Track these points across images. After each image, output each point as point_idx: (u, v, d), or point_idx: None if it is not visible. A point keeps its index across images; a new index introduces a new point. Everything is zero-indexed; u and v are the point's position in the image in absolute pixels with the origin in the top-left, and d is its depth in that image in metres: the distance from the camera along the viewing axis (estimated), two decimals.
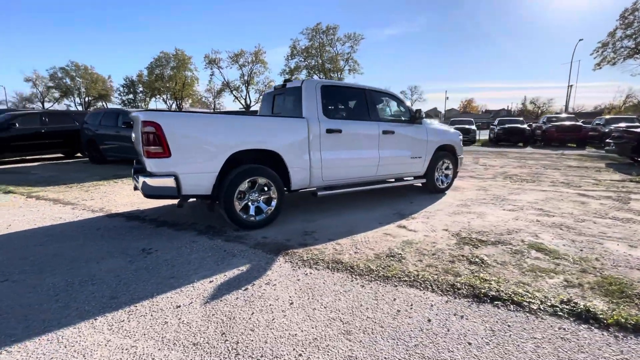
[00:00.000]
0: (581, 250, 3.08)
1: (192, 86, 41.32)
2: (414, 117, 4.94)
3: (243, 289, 2.36)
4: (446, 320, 1.98)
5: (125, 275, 2.58)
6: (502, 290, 2.29)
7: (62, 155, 11.24)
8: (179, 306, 2.14)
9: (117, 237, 3.42)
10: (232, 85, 40.01)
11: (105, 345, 1.78)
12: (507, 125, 18.13)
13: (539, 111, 60.14)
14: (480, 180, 6.95)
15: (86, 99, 48.53)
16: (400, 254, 3.00)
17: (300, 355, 1.69)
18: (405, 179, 5.23)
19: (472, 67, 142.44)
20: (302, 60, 33.99)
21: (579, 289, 2.35)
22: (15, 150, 9.44)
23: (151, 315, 2.05)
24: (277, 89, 4.74)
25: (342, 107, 4.64)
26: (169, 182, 3.12)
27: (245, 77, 38.15)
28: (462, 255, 2.96)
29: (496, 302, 2.17)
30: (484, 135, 22.80)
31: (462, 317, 2.02)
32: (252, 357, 1.68)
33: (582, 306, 2.08)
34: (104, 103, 53.67)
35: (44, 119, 10.08)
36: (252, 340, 1.81)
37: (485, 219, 4.09)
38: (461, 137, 5.90)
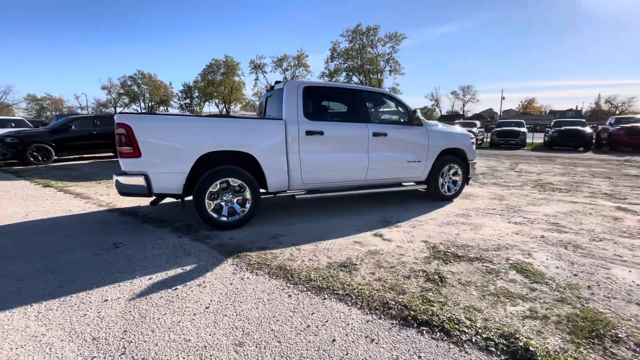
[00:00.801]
0: (575, 275, 2.60)
1: (240, 90, 43.58)
2: (411, 119, 4.61)
3: (173, 288, 2.38)
4: (352, 342, 1.79)
5: (83, 266, 2.77)
6: (439, 315, 2.01)
7: (112, 154, 12.56)
8: (106, 300, 2.23)
9: (100, 231, 3.70)
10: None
11: (21, 331, 1.91)
12: (562, 128, 16.15)
13: (616, 111, 52.73)
14: (504, 188, 6.26)
15: (150, 103, 53.90)
16: (355, 264, 2.80)
17: None
18: (405, 184, 4.91)
19: (535, 64, 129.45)
20: (342, 62, 33.96)
21: (539, 322, 1.98)
22: (71, 149, 10.77)
23: (78, 306, 2.17)
24: (268, 90, 4.77)
25: (328, 108, 4.50)
26: (140, 180, 3.29)
27: None
28: (424, 271, 2.67)
29: (423, 328, 1.90)
30: (540, 138, 20.58)
31: (372, 340, 1.80)
32: (133, 359, 1.68)
33: (522, 343, 1.74)
34: (165, 107, 59.10)
35: (96, 122, 11.36)
36: (145, 342, 1.81)
37: (479, 232, 3.66)
38: (473, 139, 5.37)
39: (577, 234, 3.58)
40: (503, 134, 17.85)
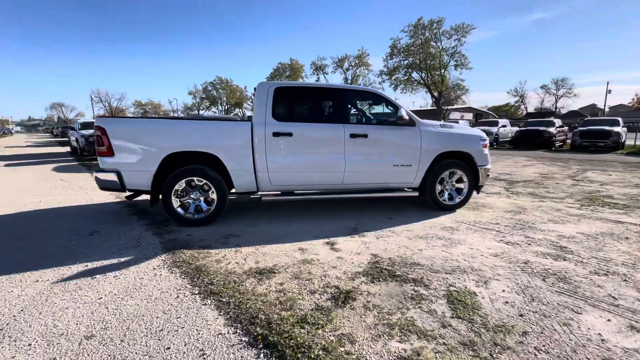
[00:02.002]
0: (519, 316, 2.06)
1: None
2: (400, 118, 4.17)
3: (92, 277, 2.60)
4: (184, 353, 1.72)
5: (53, 249, 3.20)
6: (297, 339, 1.79)
7: None
8: (37, 281, 2.53)
9: (93, 219, 4.21)
10: None
11: None
12: None
13: None
14: (536, 199, 5.25)
15: (226, 106, 59.37)
16: (274, 272, 2.67)
17: (15, 340, 1.80)
18: (395, 191, 4.47)
19: None
20: (402, 59, 32.12)
21: None
22: None
23: (13, 282, 2.51)
24: (253, 93, 4.83)
25: (301, 109, 4.34)
26: (113, 177, 3.66)
27: (349, 81, 38.97)
28: (337, 288, 2.41)
29: (264, 351, 1.72)
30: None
31: (203, 354, 1.70)
32: (4, 335, 1.89)
33: None
34: (240, 110, 64.45)
35: None
36: (25, 322, 2.00)
37: (449, 250, 3.15)
38: (485, 142, 4.61)
39: (578, 263, 2.82)
40: (588, 134, 14.94)
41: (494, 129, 18.21)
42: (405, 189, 4.46)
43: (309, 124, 4.08)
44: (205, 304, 2.20)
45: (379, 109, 4.67)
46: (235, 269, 2.75)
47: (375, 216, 4.29)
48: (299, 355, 1.68)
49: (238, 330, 1.91)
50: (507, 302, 2.22)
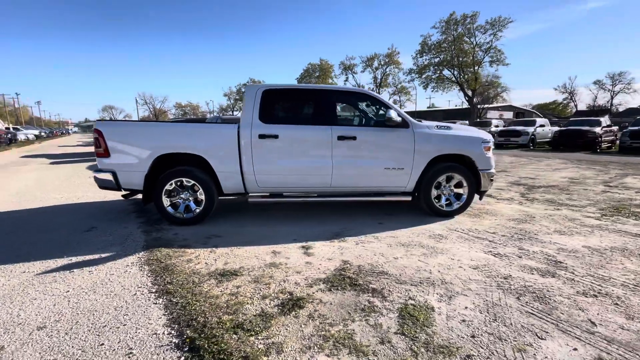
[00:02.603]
0: (471, 337, 1.89)
1: None
2: (388, 119, 4.00)
3: (70, 271, 2.77)
4: (114, 351, 1.77)
5: (52, 242, 3.46)
6: (223, 345, 1.78)
7: None
8: (24, 272, 2.76)
9: (95, 215, 4.50)
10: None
11: None
12: None
13: None
14: (551, 206, 4.79)
15: None
16: (237, 275, 2.69)
17: None
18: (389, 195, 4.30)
19: None
20: (433, 56, 30.68)
21: None
22: None
23: (3, 272, 2.76)
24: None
25: (288, 111, 4.31)
26: (109, 176, 3.89)
27: (378, 80, 38.29)
28: (290, 294, 2.37)
29: (187, 355, 1.73)
30: None
31: (130, 353, 1.75)
32: None
33: None
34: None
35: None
36: None
37: (428, 259, 2.97)
38: (487, 144, 4.28)
39: (568, 282, 2.53)
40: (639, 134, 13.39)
41: (529, 129, 16.95)
42: (399, 194, 4.28)
43: (295, 125, 4.05)
44: (157, 303, 2.26)
45: (381, 110, 4.50)
46: (202, 269, 2.81)
47: (365, 221, 4.17)
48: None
49: (172, 332, 1.94)
50: (463, 321, 2.05)
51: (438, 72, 31.43)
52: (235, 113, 64.66)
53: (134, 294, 2.38)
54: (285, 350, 1.79)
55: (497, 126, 19.72)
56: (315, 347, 1.81)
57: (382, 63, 38.12)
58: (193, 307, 2.19)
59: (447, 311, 2.16)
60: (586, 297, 2.32)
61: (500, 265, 2.85)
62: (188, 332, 1.91)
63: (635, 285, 2.47)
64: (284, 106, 4.29)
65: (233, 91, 63.31)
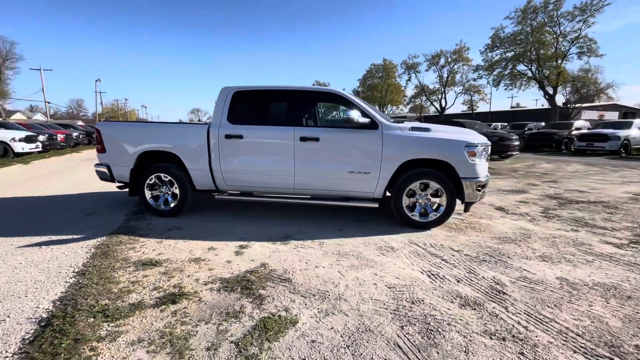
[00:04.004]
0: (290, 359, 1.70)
1: (396, 93, 43.17)
2: (347, 120, 3.74)
3: (40, 247, 3.27)
4: None
5: (53, 222, 4.13)
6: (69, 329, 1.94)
7: None
8: (12, 245, 3.37)
9: (104, 203, 5.17)
10: (427, 89, 38.50)
11: None
12: None
13: None
14: (573, 227, 3.92)
15: (322, 109, 62.39)
16: (155, 265, 2.86)
17: None
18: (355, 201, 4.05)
19: None
20: (507, 49, 26.88)
21: None
22: None
23: None
24: None
25: (255, 111, 4.30)
26: (105, 169, 4.47)
27: (444, 79, 35.50)
28: (179, 288, 2.44)
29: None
30: None
31: None
32: None
33: None
34: (337, 112, 66.75)
35: None
36: None
37: (350, 272, 2.74)
38: (473, 149, 3.69)
39: (485, 318, 2.08)
40: None
41: (621, 132, 13.91)
42: (368, 200, 3.99)
43: (259, 126, 4.09)
44: (67, 282, 2.54)
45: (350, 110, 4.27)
46: (133, 257, 3.05)
47: (326, 226, 3.99)
48: (53, 340, 1.83)
49: (50, 308, 2.17)
50: (313, 341, 1.85)
51: (511, 67, 27.61)
52: None
53: (59, 272, 2.73)
54: (118, 339, 1.87)
55: (578, 129, 16.66)
56: (146, 342, 1.85)
57: (449, 60, 35.35)
58: (88, 289, 2.42)
59: (307, 328, 1.97)
60: (491, 339, 1.88)
61: (424, 288, 2.47)
62: (58, 309, 2.13)
63: (577, 335, 1.91)
64: (251, 107, 4.36)
65: None
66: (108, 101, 73.58)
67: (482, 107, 42.03)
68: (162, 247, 3.30)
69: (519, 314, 2.12)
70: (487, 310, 2.17)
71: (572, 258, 3.03)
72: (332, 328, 1.98)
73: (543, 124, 20.58)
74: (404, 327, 1.98)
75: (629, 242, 3.43)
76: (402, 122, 4.32)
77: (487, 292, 2.41)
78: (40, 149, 13.97)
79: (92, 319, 2.04)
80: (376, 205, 3.92)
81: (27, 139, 13.20)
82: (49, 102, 37.54)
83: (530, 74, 26.91)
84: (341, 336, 1.91)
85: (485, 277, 2.65)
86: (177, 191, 4.30)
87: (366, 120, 3.80)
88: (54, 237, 3.57)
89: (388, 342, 1.85)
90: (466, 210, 4.03)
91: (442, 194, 3.78)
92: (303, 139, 3.90)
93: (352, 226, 3.98)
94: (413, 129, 3.85)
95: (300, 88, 4.09)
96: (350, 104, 4.02)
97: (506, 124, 22.08)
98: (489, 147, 4.04)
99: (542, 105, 43.18)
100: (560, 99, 28.97)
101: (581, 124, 17.71)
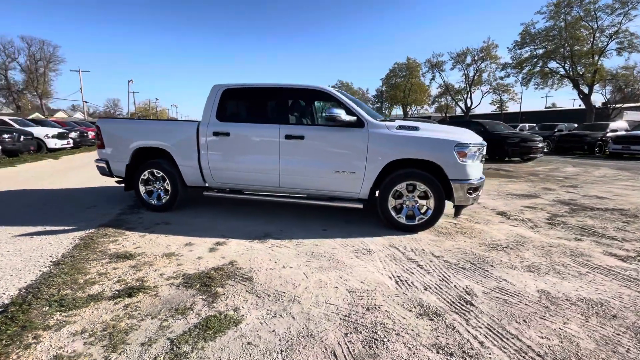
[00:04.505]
0: None
1: (419, 92, 41.92)
2: (330, 118, 3.63)
3: (32, 236, 3.44)
4: None
5: (57, 213, 4.35)
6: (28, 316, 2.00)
7: None
8: (10, 234, 3.58)
9: (107, 197, 5.38)
10: (452, 88, 37.01)
11: None
12: None
13: None
14: (577, 236, 3.61)
15: None
16: (129, 258, 2.92)
17: None
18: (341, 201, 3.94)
19: None
20: (538, 46, 25.11)
21: None
22: None
23: None
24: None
25: (243, 109, 4.28)
26: (104, 164, 4.65)
27: (471, 78, 33.96)
28: (140, 282, 2.47)
29: None
30: None
31: None
32: None
33: None
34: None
35: None
36: None
37: (315, 274, 2.66)
38: (466, 149, 3.47)
39: (440, 330, 1.93)
40: None
41: None
42: (354, 200, 3.87)
43: (246, 124, 4.08)
44: (41, 271, 2.65)
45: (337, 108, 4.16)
46: (112, 249, 3.14)
47: (311, 225, 3.92)
48: (1, 326, 1.90)
49: (15, 294, 2.27)
50: (249, 344, 1.80)
51: (543, 64, 25.77)
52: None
53: (38, 261, 2.85)
54: (63, 329, 1.91)
55: (614, 130, 15.39)
56: (87, 334, 1.87)
57: (476, 58, 33.85)
58: (56, 278, 2.50)
59: (248, 330, 1.92)
60: (437, 353, 1.73)
61: (386, 294, 2.34)
62: (18, 297, 2.22)
63: (536, 355, 1.72)
64: (239, 105, 4.36)
65: None
66: (141, 100, 77.44)
67: (512, 107, 40.04)
68: (143, 241, 3.37)
69: (480, 327, 1.96)
70: (445, 321, 2.01)
71: (563, 270, 2.76)
72: (273, 331, 1.92)
73: (575, 125, 19.22)
74: (348, 335, 1.88)
75: (636, 255, 3.09)
76: (394, 120, 4.16)
77: (452, 302, 2.24)
78: (71, 145, 14.88)
79: (47, 308, 2.11)
80: (361, 206, 3.80)
81: (59, 136, 14.10)
82: (86, 102, 40.02)
83: (563, 72, 25.15)
84: (279, 340, 1.84)
85: (458, 286, 2.47)
86: (169, 187, 4.39)
87: (352, 118, 3.69)
88: (48, 228, 3.75)
89: (325, 349, 1.76)
90: (457, 214, 3.81)
91: (430, 196, 3.60)
92: (288, 136, 3.85)
93: (337, 227, 3.89)
94: (400, 127, 3.69)
95: (287, 85, 4.04)
96: (336, 101, 3.92)
97: (534, 124, 20.84)
98: (484, 148, 3.79)
99: (580, 106, 40.49)
100: (599, 99, 26.96)
101: (618, 126, 16.37)
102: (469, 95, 37.16)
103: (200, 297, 2.29)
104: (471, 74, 34.79)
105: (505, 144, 11.52)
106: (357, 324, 1.99)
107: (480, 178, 3.72)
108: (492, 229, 3.88)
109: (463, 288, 2.44)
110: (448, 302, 2.25)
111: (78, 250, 3.09)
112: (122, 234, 3.57)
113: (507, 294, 2.36)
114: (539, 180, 7.51)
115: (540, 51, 25.37)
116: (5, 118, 14.37)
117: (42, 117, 36.70)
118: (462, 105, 38.23)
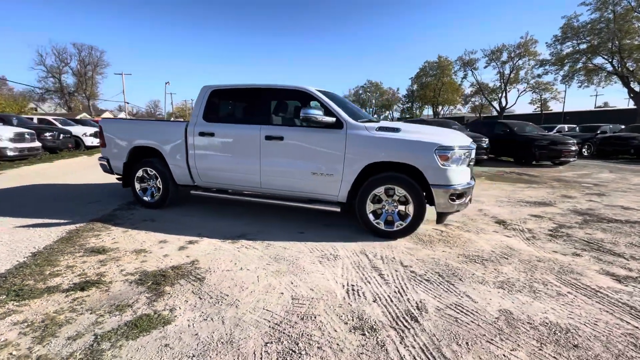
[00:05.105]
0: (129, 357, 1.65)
1: (451, 92, 40.11)
2: (304, 119, 3.54)
3: (28, 228, 3.72)
4: None
5: (59, 207, 4.67)
6: None
7: None
8: (12, 225, 3.88)
9: (109, 193, 5.67)
10: (485, 87, 34.87)
11: None
12: None
13: None
14: (577, 250, 3.24)
15: (373, 108, 61.17)
16: (102, 252, 3.05)
17: None
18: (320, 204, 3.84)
19: None
20: (582, 40, 22.83)
21: None
22: None
23: None
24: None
25: (229, 110, 4.29)
26: (105, 162, 4.91)
27: (506, 76, 31.80)
28: (102, 275, 2.55)
29: None
30: None
31: None
32: None
33: None
34: (390, 112, 65.02)
35: None
36: None
37: (268, 278, 2.61)
38: (448, 152, 3.23)
39: (368, 348, 1.79)
40: None
41: None
42: (333, 203, 3.77)
43: (229, 124, 4.11)
44: (18, 261, 2.84)
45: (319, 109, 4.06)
46: (90, 243, 3.29)
47: (289, 227, 3.87)
48: None
49: None
50: (166, 346, 1.79)
51: (584, 61, 23.52)
52: None
53: (20, 252, 3.05)
54: (7, 318, 2.02)
55: None
56: (26, 324, 1.97)
57: (513, 55, 31.71)
58: (26, 269, 2.67)
59: (173, 332, 1.92)
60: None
61: (330, 303, 2.24)
62: None
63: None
64: (225, 105, 4.40)
65: (352, 92, 65.40)
66: (179, 101, 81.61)
67: (556, 107, 37.20)
68: (123, 237, 3.51)
69: (412, 348, 1.80)
70: (377, 338, 1.88)
71: (541, 288, 2.48)
72: (196, 334, 1.90)
73: (622, 126, 17.41)
74: (268, 345, 1.81)
75: (637, 276, 2.71)
76: (378, 121, 3.99)
77: (396, 317, 2.09)
78: None
79: (4, 297, 2.25)
80: (338, 209, 3.69)
81: (96, 134, 15.20)
82: (127, 103, 42.93)
83: (610, 68, 22.78)
84: (197, 344, 1.81)
85: (411, 299, 2.31)
86: (160, 185, 4.55)
87: (330, 119, 3.59)
88: (46, 221, 4.03)
89: (237, 358, 1.71)
90: (439, 221, 3.58)
91: (410, 201, 3.41)
92: (268, 137, 3.83)
93: (315, 230, 3.80)
94: (380, 129, 3.53)
95: (268, 86, 4.02)
96: (317, 102, 3.83)
97: (575, 125, 19.17)
98: (472, 151, 3.53)
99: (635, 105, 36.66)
100: None
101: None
102: (504, 95, 35.04)
103: (146, 294, 2.33)
104: (507, 71, 32.73)
105: (533, 147, 10.71)
106: (284, 333, 1.92)
107: (468, 184, 3.46)
108: (481, 238, 3.59)
109: (416, 302, 2.27)
110: (392, 316, 2.10)
111: (59, 243, 3.28)
112: (107, 229, 3.75)
113: (462, 311, 2.16)
114: (561, 187, 6.88)
115: (584, 46, 23.21)
116: (50, 118, 15.77)
117: (89, 117, 39.85)
118: (496, 105, 36.11)
